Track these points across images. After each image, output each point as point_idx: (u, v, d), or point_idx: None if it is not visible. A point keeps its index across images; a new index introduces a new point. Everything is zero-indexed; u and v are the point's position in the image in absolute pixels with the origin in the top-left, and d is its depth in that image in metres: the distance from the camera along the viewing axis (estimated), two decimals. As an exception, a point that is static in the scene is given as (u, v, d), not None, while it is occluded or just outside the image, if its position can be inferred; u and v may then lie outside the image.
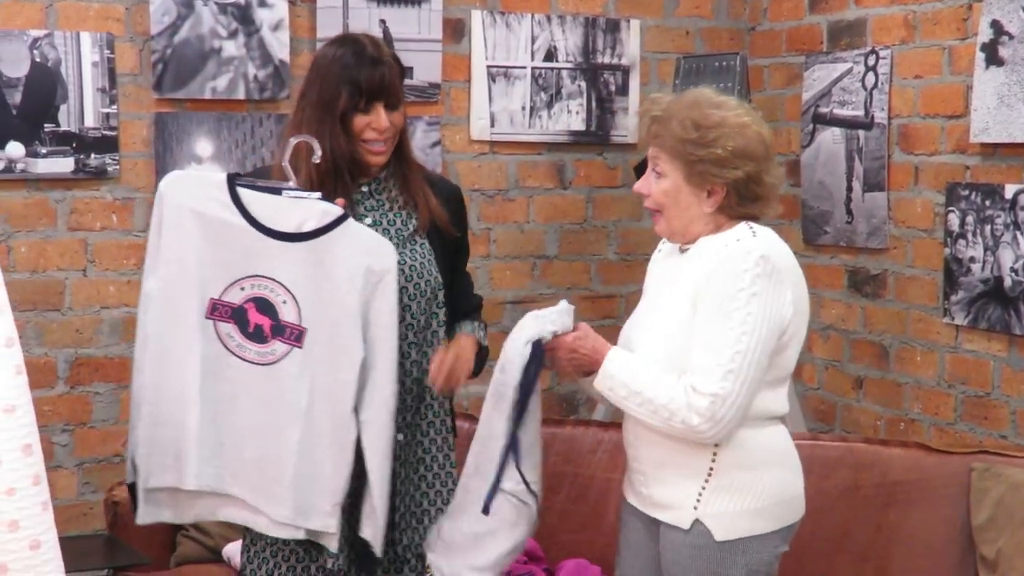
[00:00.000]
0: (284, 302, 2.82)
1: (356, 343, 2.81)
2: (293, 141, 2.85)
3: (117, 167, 4.40)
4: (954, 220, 4.24)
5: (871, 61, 4.62)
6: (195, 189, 2.84)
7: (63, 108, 4.29)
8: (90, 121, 4.34)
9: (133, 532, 3.75)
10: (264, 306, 2.82)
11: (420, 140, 4.73)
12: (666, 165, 2.72)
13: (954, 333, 4.32)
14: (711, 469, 2.68)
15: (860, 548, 3.72)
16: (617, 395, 2.66)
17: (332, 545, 2.86)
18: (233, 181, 2.83)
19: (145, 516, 2.91)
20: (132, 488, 2.94)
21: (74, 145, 4.32)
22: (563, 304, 2.81)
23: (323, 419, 2.81)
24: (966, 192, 4.20)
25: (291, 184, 2.84)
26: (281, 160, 2.86)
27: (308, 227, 2.81)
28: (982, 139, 4.12)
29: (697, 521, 2.69)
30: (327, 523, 2.84)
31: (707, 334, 2.61)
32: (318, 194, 2.82)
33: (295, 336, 2.82)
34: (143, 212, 4.46)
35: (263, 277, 2.82)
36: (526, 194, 5.01)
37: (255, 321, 2.83)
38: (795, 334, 2.72)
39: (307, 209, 2.80)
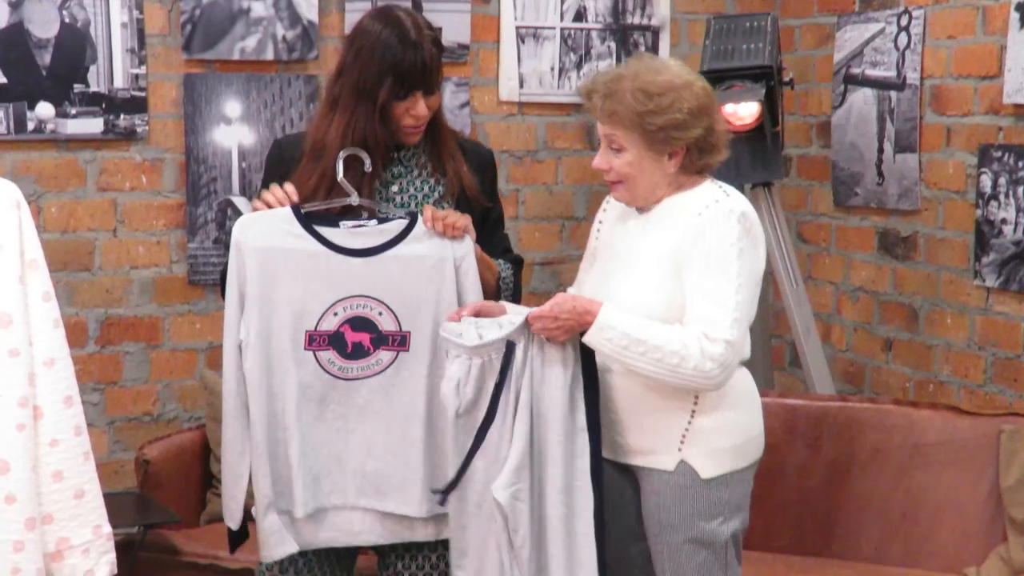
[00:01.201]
0: (380, 314, 2.87)
1: None
2: (343, 155, 2.86)
3: (146, 128, 4.41)
4: (986, 182, 4.21)
5: (904, 21, 4.57)
6: (268, 229, 2.86)
7: (92, 69, 4.30)
8: (119, 82, 4.35)
9: (164, 490, 3.79)
10: (360, 323, 2.87)
11: (449, 101, 4.71)
12: (624, 139, 2.75)
13: (985, 295, 4.29)
14: (693, 411, 2.75)
15: (890, 509, 3.72)
16: (616, 345, 2.66)
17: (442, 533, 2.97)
18: (298, 211, 2.86)
19: (286, 550, 2.92)
20: (236, 535, 3.01)
21: (103, 106, 4.33)
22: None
23: (442, 414, 2.86)
24: (999, 153, 4.16)
25: (352, 217, 2.88)
26: (338, 175, 2.87)
27: (385, 238, 2.86)
28: (1015, 100, 4.08)
29: (682, 462, 2.76)
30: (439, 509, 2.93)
31: (706, 288, 2.67)
32: (374, 221, 2.87)
33: (399, 341, 2.88)
34: (172, 173, 4.48)
35: (354, 296, 2.87)
36: (555, 155, 5.00)
37: (352, 341, 2.88)
38: (759, 286, 2.81)
39: (373, 224, 2.87)
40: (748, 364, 2.84)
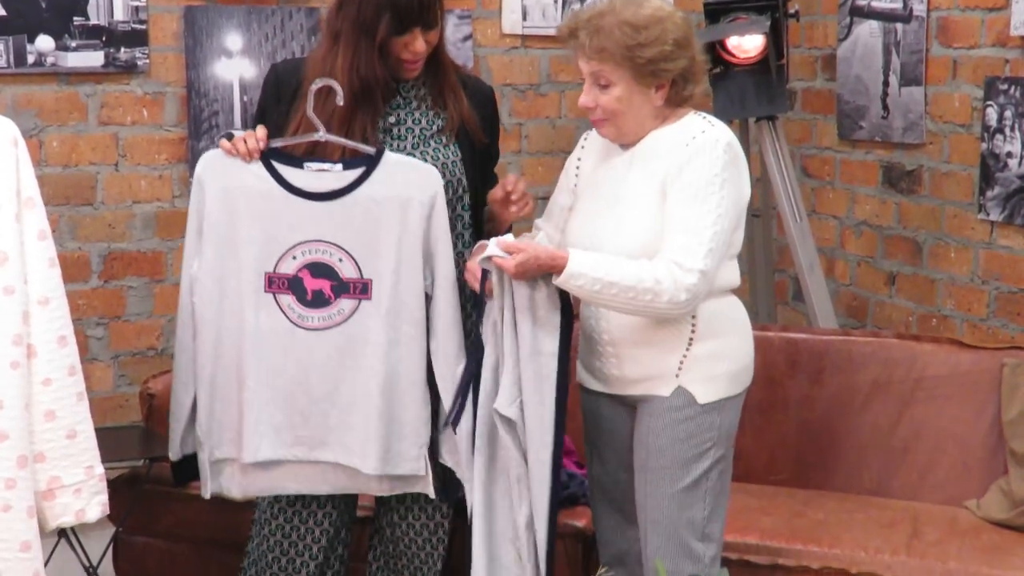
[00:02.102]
0: (340, 260, 2.85)
1: (419, 281, 2.84)
2: (314, 88, 2.83)
3: (147, 61, 4.38)
4: (992, 115, 4.19)
5: (910, -48, 4.53)
6: (231, 167, 2.85)
7: (92, 1, 4.26)
8: (119, 14, 4.31)
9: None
10: (320, 270, 2.85)
11: (451, 34, 4.68)
12: (612, 75, 2.74)
13: (989, 229, 4.28)
14: (691, 339, 2.77)
15: (892, 442, 3.73)
16: (588, 290, 2.66)
17: (427, 489, 2.94)
18: (263, 153, 2.85)
19: (213, 488, 2.98)
20: (178, 465, 3.02)
21: (104, 39, 4.29)
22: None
23: (401, 364, 2.86)
24: (1005, 86, 4.13)
25: (314, 157, 2.85)
26: (307, 110, 2.85)
27: (346, 180, 2.82)
28: (1022, 32, 4.05)
29: (680, 387, 2.78)
30: (416, 467, 2.91)
31: (684, 218, 2.67)
32: (339, 165, 2.83)
33: (360, 289, 2.85)
34: (174, 107, 4.45)
35: (313, 241, 2.84)
36: (558, 89, 4.97)
37: (311, 288, 2.86)
38: (743, 215, 2.82)
39: (337, 169, 2.83)
40: (751, 298, 2.86)
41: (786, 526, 3.41)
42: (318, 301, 2.85)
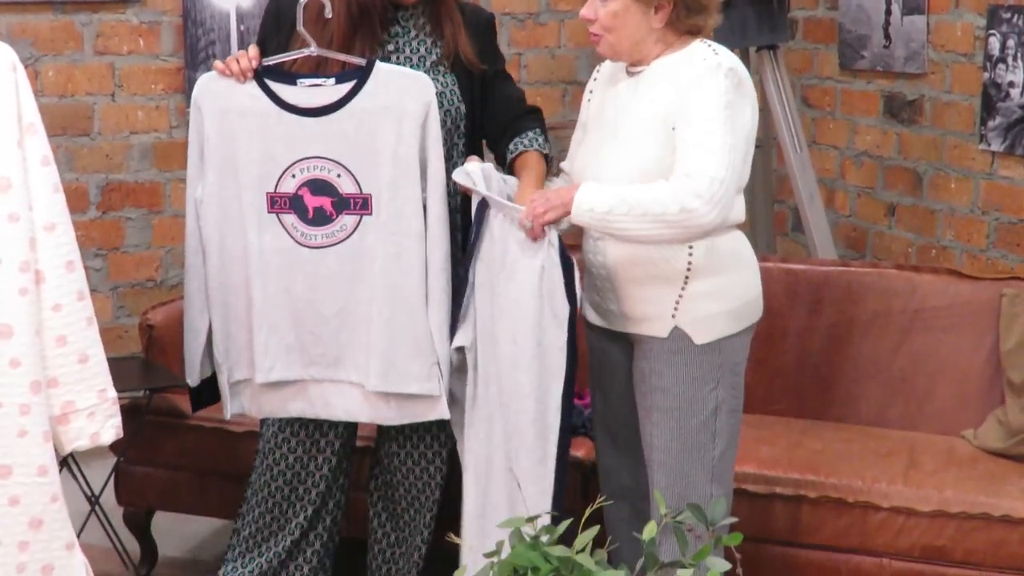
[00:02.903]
0: (339, 176, 2.83)
1: (417, 192, 2.83)
2: (303, 1, 2.82)
3: (143, -10, 4.35)
4: (994, 44, 4.16)
5: None
6: (225, 89, 2.84)
7: (86, -71, 4.22)
8: (114, -58, 4.27)
9: (168, 355, 3.81)
10: (319, 187, 2.84)
11: (449, -38, 4.63)
12: None
13: (990, 159, 4.27)
14: (687, 277, 2.75)
15: (890, 373, 3.74)
16: (600, 218, 2.64)
17: (443, 413, 2.92)
18: (257, 72, 2.83)
19: (234, 409, 3.00)
20: (196, 391, 3.05)
21: (99, -33, 4.26)
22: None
23: (403, 278, 2.85)
24: (1008, 15, 4.10)
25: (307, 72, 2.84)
26: (297, 25, 2.83)
27: (339, 94, 2.80)
28: (1027, -41, 4.02)
29: (676, 328, 2.77)
30: (426, 387, 2.88)
31: (694, 139, 2.64)
32: (332, 80, 2.82)
33: (360, 204, 2.84)
34: (170, 36, 4.42)
35: (311, 158, 2.83)
36: (557, 18, 4.93)
37: (312, 205, 2.85)
38: (751, 145, 2.77)
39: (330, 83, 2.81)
40: (751, 228, 2.84)
41: (784, 456, 3.43)
42: (320, 219, 2.85)
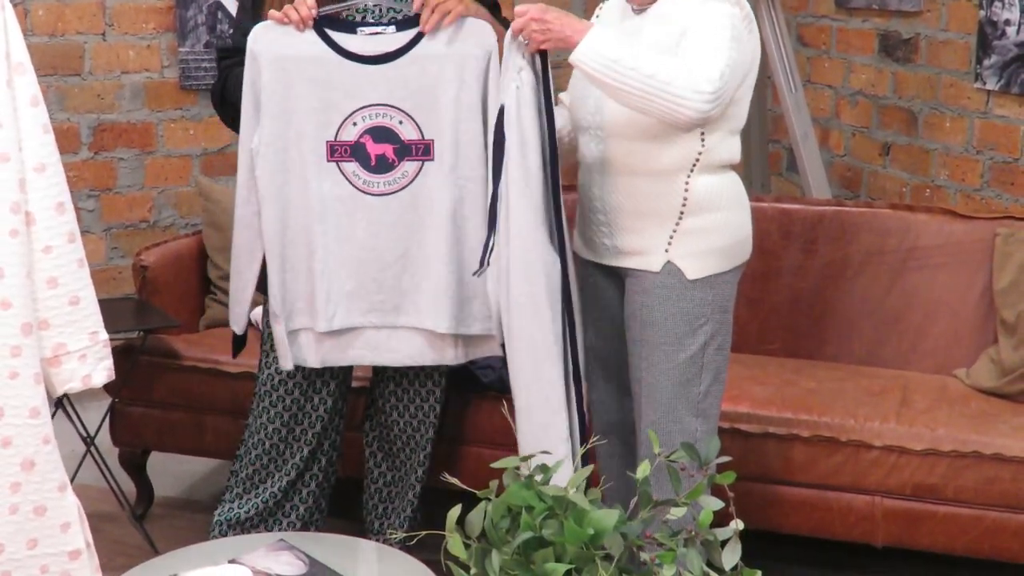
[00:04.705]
0: (400, 122, 2.83)
1: (480, 136, 2.83)
2: None
3: (132, -73, 4.31)
4: (991, -19, 4.13)
5: None
6: (282, 37, 2.82)
7: None
8: None
9: (162, 296, 3.81)
10: (382, 134, 2.84)
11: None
12: None
13: (985, 98, 4.25)
14: (682, 212, 2.76)
15: (883, 312, 3.75)
16: (604, 62, 2.59)
17: (497, 350, 2.94)
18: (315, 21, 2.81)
19: (290, 360, 2.98)
20: (240, 339, 3.07)
21: (87, -96, 4.21)
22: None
23: (467, 222, 2.87)
24: (1005, -48, 4.07)
25: (365, 18, 2.83)
26: None
27: (401, 42, 2.80)
28: None
29: (668, 263, 2.78)
30: (487, 326, 2.91)
31: (699, 45, 2.62)
32: (392, 28, 2.81)
33: (423, 151, 2.84)
34: (160, -26, 4.39)
35: (373, 105, 2.83)
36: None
37: (375, 153, 2.85)
38: (750, 85, 2.77)
39: (391, 31, 2.80)
40: (745, 168, 2.83)
41: (777, 395, 3.44)
42: (382, 166, 2.86)
